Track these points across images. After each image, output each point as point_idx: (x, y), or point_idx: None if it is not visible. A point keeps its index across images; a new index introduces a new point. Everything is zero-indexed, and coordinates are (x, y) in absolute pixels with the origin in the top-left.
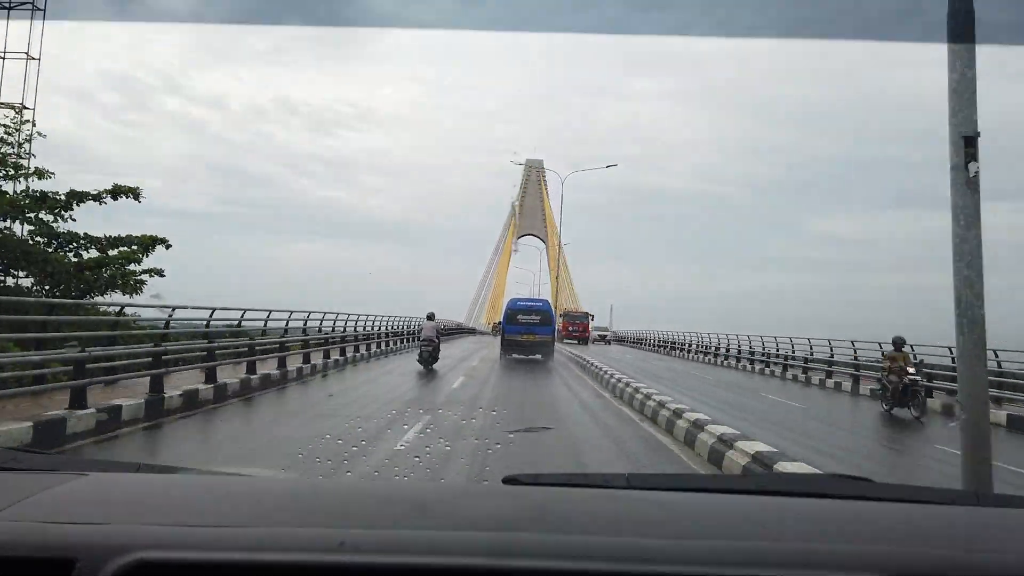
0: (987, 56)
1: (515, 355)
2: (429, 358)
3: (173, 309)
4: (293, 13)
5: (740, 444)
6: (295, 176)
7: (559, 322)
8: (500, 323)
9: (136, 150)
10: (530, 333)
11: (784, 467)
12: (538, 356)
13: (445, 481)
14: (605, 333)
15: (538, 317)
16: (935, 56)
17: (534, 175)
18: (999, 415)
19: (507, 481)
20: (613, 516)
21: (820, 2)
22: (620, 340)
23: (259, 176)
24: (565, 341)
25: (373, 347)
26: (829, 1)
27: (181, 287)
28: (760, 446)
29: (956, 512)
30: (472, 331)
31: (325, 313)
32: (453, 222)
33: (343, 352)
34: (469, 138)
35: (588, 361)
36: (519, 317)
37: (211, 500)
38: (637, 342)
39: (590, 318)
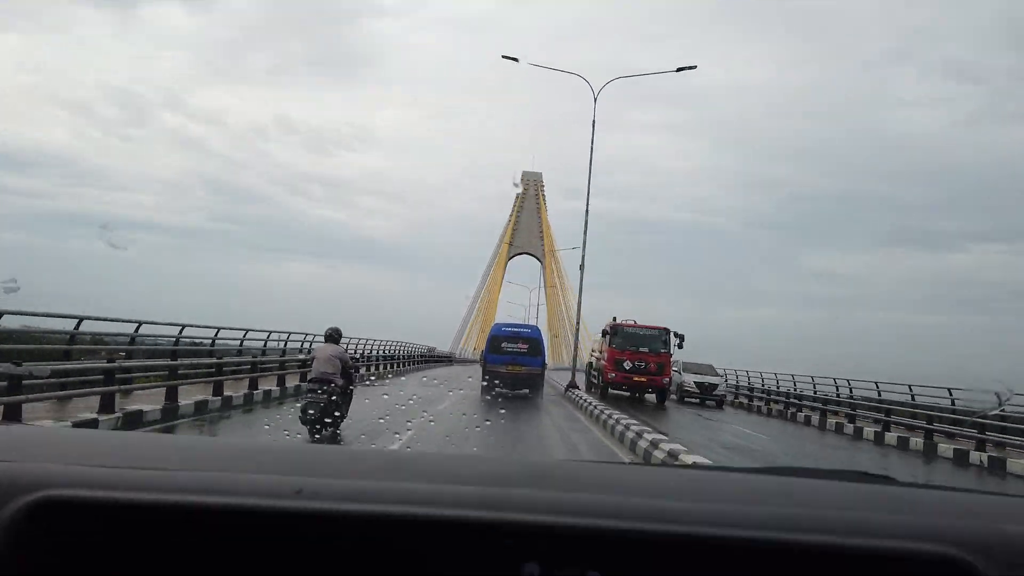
0: (984, 100)
1: (498, 388)
2: (321, 416)
3: None
4: (296, 35)
5: None
6: (292, 195)
7: (603, 348)
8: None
9: (134, 165)
10: (515, 364)
11: None
12: (525, 391)
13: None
14: (716, 380)
15: (526, 346)
16: (930, 96)
17: (532, 189)
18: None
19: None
20: (623, 482)
21: (816, 41)
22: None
23: (257, 194)
24: (613, 392)
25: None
26: (825, 40)
27: (174, 301)
28: None
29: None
30: (449, 359)
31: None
32: (449, 246)
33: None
34: (467, 162)
35: None
36: (504, 345)
37: (154, 447)
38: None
39: (674, 342)
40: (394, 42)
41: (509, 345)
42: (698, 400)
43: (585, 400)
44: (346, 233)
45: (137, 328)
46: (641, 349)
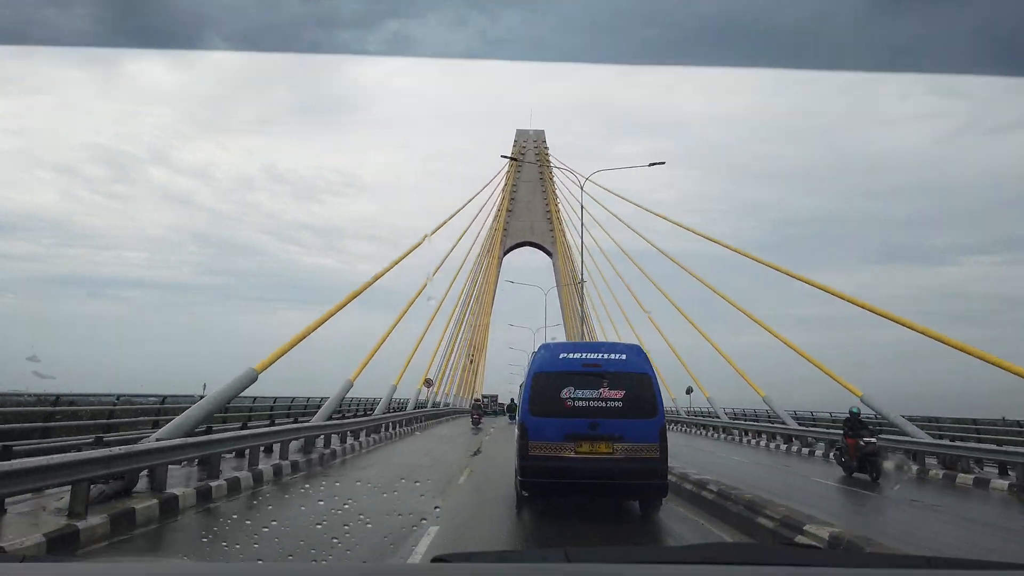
0: (966, 115)
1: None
2: None
3: None
4: (280, 85)
5: None
6: (283, 244)
7: None
8: (480, 401)
9: (122, 222)
10: (598, 439)
11: None
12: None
13: (366, 562)
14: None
15: (619, 392)
16: (913, 113)
17: (531, 154)
18: None
19: (437, 560)
20: None
21: (796, 65)
22: None
23: (248, 245)
24: None
25: None
26: (806, 61)
27: (162, 360)
28: None
29: None
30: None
31: None
32: (441, 287)
33: None
34: (455, 203)
35: None
36: (567, 395)
37: None
38: None
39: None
40: (378, 87)
41: (582, 394)
42: None
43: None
44: (339, 279)
45: (163, 400)
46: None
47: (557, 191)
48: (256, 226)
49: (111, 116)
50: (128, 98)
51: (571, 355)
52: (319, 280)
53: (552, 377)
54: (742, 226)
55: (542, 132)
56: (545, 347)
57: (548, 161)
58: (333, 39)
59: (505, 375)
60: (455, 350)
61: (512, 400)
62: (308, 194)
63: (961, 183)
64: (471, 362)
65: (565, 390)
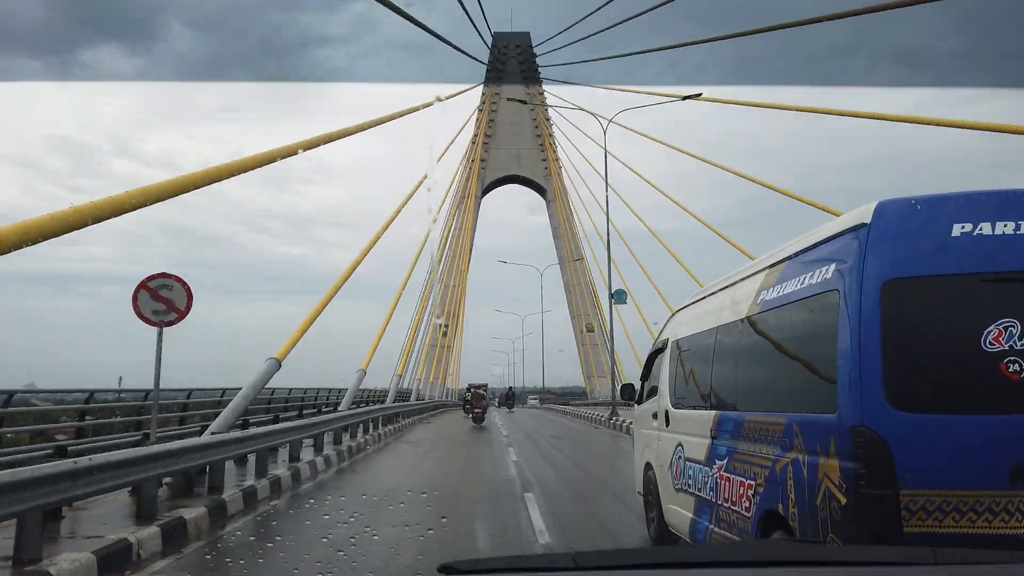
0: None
1: None
2: None
3: None
4: (243, 70)
5: None
6: (252, 233)
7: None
8: (478, 389)
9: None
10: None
11: None
12: None
13: (372, 573)
14: None
15: None
16: (879, 90)
17: (512, 64)
18: None
19: (443, 570)
20: None
21: (762, 40)
22: None
23: (215, 236)
24: None
25: None
26: (776, 41)
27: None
28: None
29: (915, 572)
30: None
31: None
32: (414, 273)
33: None
34: (429, 184)
35: None
36: (1000, 342)
37: None
38: None
39: None
40: (344, 70)
41: None
42: None
43: None
44: (310, 267)
45: (189, 394)
46: None
47: (550, 115)
48: (225, 216)
49: (70, 106)
50: (87, 88)
51: (986, 227)
52: (290, 269)
53: (941, 290)
54: (717, 204)
55: (527, 35)
56: (894, 207)
57: (536, 66)
58: (296, 22)
59: (488, 357)
60: (423, 321)
61: (509, 389)
62: (277, 182)
63: (928, 155)
64: (444, 335)
65: (993, 328)
